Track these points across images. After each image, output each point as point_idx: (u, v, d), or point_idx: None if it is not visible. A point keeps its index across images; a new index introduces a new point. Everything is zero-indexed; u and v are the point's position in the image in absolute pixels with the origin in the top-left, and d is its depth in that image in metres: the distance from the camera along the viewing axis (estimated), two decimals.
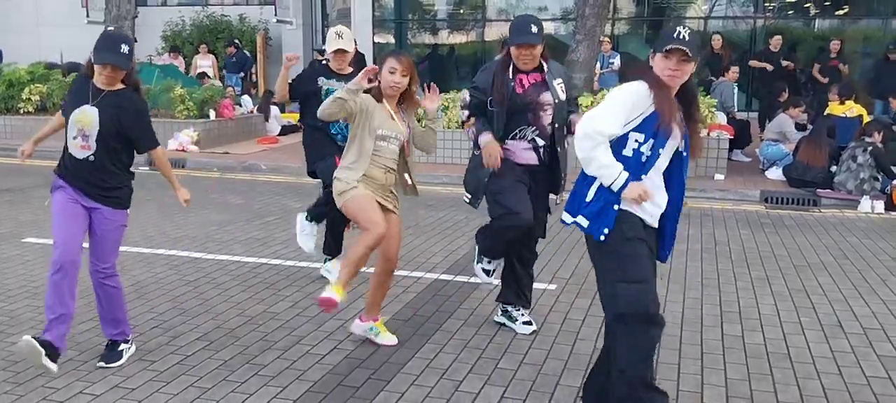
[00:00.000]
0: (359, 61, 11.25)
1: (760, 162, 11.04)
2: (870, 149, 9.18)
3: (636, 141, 3.17)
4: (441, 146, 10.87)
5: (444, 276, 5.87)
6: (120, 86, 3.98)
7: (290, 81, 5.39)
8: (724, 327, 4.89)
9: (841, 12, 16.99)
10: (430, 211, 8.34)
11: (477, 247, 4.70)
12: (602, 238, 3.21)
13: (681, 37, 3.09)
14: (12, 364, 4.12)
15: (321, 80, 5.37)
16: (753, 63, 14.00)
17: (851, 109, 11.26)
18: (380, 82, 4.17)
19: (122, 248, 4.20)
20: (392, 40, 19.54)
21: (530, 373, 4.13)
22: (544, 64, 4.39)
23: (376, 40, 18.96)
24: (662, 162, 3.26)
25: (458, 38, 19.64)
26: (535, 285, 4.86)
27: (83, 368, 4.08)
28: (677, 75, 3.14)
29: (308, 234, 5.79)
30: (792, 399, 3.90)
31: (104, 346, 4.20)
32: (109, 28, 13.31)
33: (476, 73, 4.64)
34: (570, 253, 6.36)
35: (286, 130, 14.02)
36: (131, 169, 4.14)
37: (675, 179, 3.33)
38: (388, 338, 4.46)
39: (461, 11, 19.50)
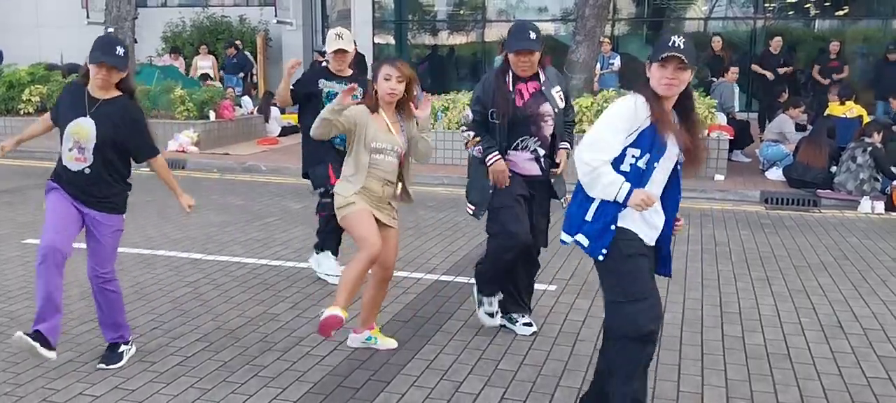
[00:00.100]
0: (359, 62, 11.25)
1: (760, 162, 11.04)
2: (869, 149, 9.19)
3: (633, 156, 3.17)
4: (441, 147, 10.87)
5: (444, 277, 5.87)
6: (115, 93, 3.95)
7: (291, 86, 5.39)
8: (724, 328, 4.89)
9: (841, 13, 16.99)
10: (430, 212, 8.34)
11: (476, 292, 4.68)
12: (600, 257, 3.24)
13: (676, 45, 3.08)
14: (13, 365, 4.12)
15: (321, 83, 5.37)
16: (755, 68, 14.00)
17: (851, 110, 11.27)
18: (376, 91, 4.08)
19: (122, 250, 4.21)
20: (392, 41, 19.55)
21: (530, 374, 4.13)
22: (541, 72, 4.40)
23: (376, 41, 18.96)
24: (659, 176, 3.24)
25: (458, 39, 19.65)
26: (536, 286, 4.87)
27: (83, 369, 4.08)
28: (674, 84, 3.12)
29: (325, 264, 5.69)
30: (792, 399, 3.90)
31: (104, 348, 4.20)
32: (110, 29, 13.33)
33: (476, 77, 4.63)
34: (570, 255, 6.36)
35: (286, 131, 14.02)
36: (129, 178, 4.11)
37: (670, 197, 3.34)
38: (387, 343, 4.44)
39: (461, 12, 19.51)
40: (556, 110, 4.39)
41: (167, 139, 11.94)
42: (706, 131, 10.22)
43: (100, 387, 3.88)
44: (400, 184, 4.24)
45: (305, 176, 5.67)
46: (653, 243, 3.36)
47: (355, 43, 6.08)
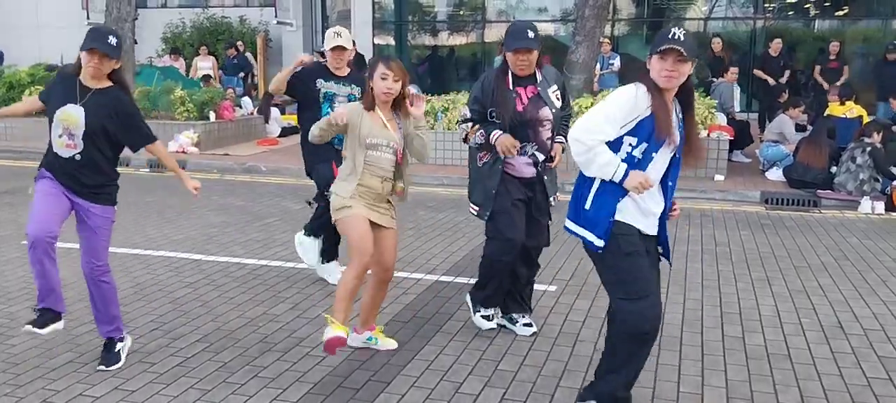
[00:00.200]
0: (358, 62, 11.24)
1: (761, 162, 11.04)
2: (868, 149, 9.18)
3: (630, 144, 3.19)
4: (441, 148, 10.88)
5: (444, 278, 5.87)
6: (108, 84, 3.94)
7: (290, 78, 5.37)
8: (724, 328, 4.89)
9: (841, 13, 16.99)
10: (430, 212, 8.34)
11: (470, 301, 4.72)
12: (599, 250, 3.25)
13: (675, 37, 3.09)
14: (13, 366, 4.12)
15: (319, 82, 5.35)
16: (758, 73, 13.98)
17: (852, 110, 11.27)
18: (372, 89, 4.09)
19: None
20: (392, 42, 19.55)
21: (530, 375, 4.13)
22: (538, 73, 4.40)
23: (376, 42, 18.97)
24: (657, 166, 3.26)
25: (458, 40, 19.65)
26: (536, 286, 4.87)
27: (84, 370, 4.08)
28: (674, 76, 3.14)
29: (309, 248, 5.74)
30: (792, 400, 3.90)
31: (102, 347, 4.19)
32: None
33: (475, 78, 4.64)
34: (570, 255, 6.36)
35: (286, 132, 14.02)
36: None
37: (667, 185, 3.36)
38: (387, 344, 4.44)
39: (461, 13, 19.51)
40: (554, 111, 4.40)
41: (167, 140, 11.94)
42: (706, 132, 10.23)
43: (100, 388, 3.88)
44: (399, 182, 4.23)
45: (309, 174, 5.67)
46: (653, 231, 3.37)
47: (355, 43, 6.07)
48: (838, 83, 12.61)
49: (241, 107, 14.53)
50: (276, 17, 19.00)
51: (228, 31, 19.04)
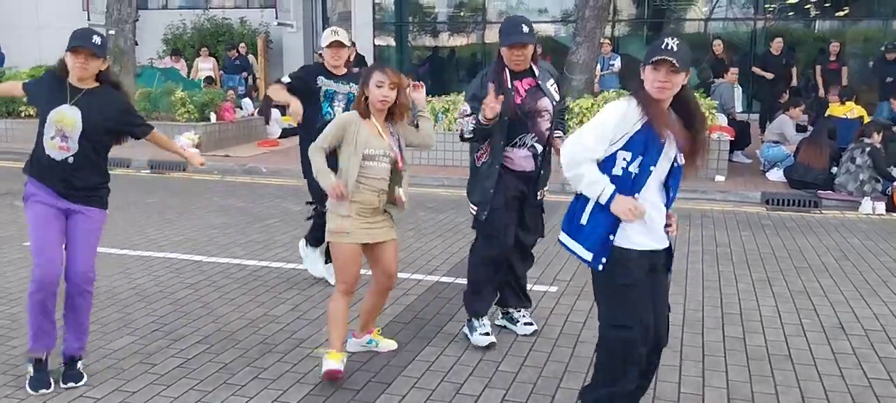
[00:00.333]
0: (358, 62, 11.23)
1: (761, 163, 11.04)
2: (868, 150, 9.18)
3: (624, 159, 3.12)
4: (441, 148, 10.88)
5: (444, 279, 5.87)
6: (96, 84, 3.86)
7: (290, 79, 5.34)
8: (725, 329, 4.88)
9: (841, 13, 16.99)
10: (430, 213, 8.34)
11: (467, 328, 4.63)
12: (600, 268, 3.20)
13: (668, 48, 3.04)
14: (13, 368, 4.12)
15: (320, 80, 5.33)
16: (756, 70, 13.99)
17: (852, 110, 11.27)
18: (367, 97, 3.96)
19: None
20: (393, 43, 19.57)
21: (531, 376, 4.13)
22: (534, 67, 4.40)
23: (377, 43, 18.98)
24: (656, 179, 3.19)
25: (459, 41, 19.66)
26: (536, 287, 4.88)
27: (83, 370, 4.08)
28: (667, 87, 3.09)
29: (313, 260, 5.71)
30: (793, 400, 3.90)
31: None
32: (111, 31, 13.35)
33: (473, 81, 4.59)
34: (570, 257, 6.34)
35: (286, 133, 14.02)
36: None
37: (668, 188, 3.31)
38: (388, 345, 4.44)
39: (462, 14, 19.52)
40: (554, 103, 4.40)
41: None
42: (707, 132, 10.22)
43: (100, 389, 3.88)
44: (399, 191, 4.05)
45: (306, 176, 5.66)
46: (664, 244, 3.27)
47: (354, 44, 6.07)
48: (832, 89, 12.65)
49: (241, 108, 14.54)
50: (276, 18, 19.01)
51: (229, 33, 19.05)
